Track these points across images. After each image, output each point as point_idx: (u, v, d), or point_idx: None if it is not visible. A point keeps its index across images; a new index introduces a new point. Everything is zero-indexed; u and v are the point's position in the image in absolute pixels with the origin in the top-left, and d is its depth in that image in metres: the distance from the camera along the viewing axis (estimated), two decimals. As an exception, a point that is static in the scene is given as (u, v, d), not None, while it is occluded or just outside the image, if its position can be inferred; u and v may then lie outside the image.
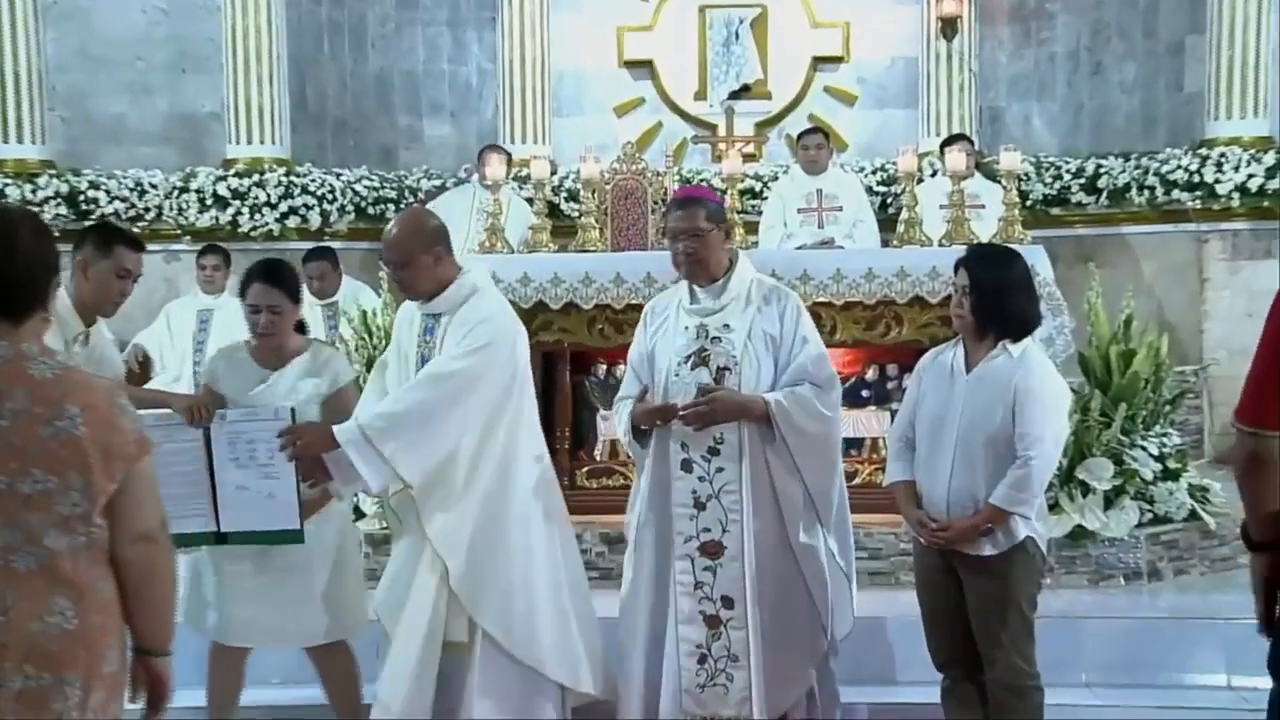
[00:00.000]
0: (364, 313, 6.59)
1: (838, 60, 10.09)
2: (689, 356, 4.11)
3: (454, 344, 3.93)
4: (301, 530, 3.93)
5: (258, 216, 8.98)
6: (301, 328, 4.34)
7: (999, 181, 6.95)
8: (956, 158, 6.56)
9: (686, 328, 4.15)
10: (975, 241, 6.16)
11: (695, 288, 4.19)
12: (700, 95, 10.00)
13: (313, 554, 4.14)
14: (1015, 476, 3.82)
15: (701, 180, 9.30)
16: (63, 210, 9.07)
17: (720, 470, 4.06)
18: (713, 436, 4.06)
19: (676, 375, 4.10)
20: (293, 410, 3.95)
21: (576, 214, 7.84)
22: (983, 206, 7.55)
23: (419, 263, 3.99)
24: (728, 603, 4.09)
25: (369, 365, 5.92)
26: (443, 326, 4.02)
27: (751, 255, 6.32)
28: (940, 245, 6.26)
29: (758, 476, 4.06)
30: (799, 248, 7.26)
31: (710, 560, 4.08)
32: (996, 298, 3.90)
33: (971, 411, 3.89)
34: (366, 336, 6.39)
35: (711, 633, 4.10)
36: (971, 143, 8.29)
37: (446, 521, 3.90)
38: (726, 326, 4.11)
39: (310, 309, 7.72)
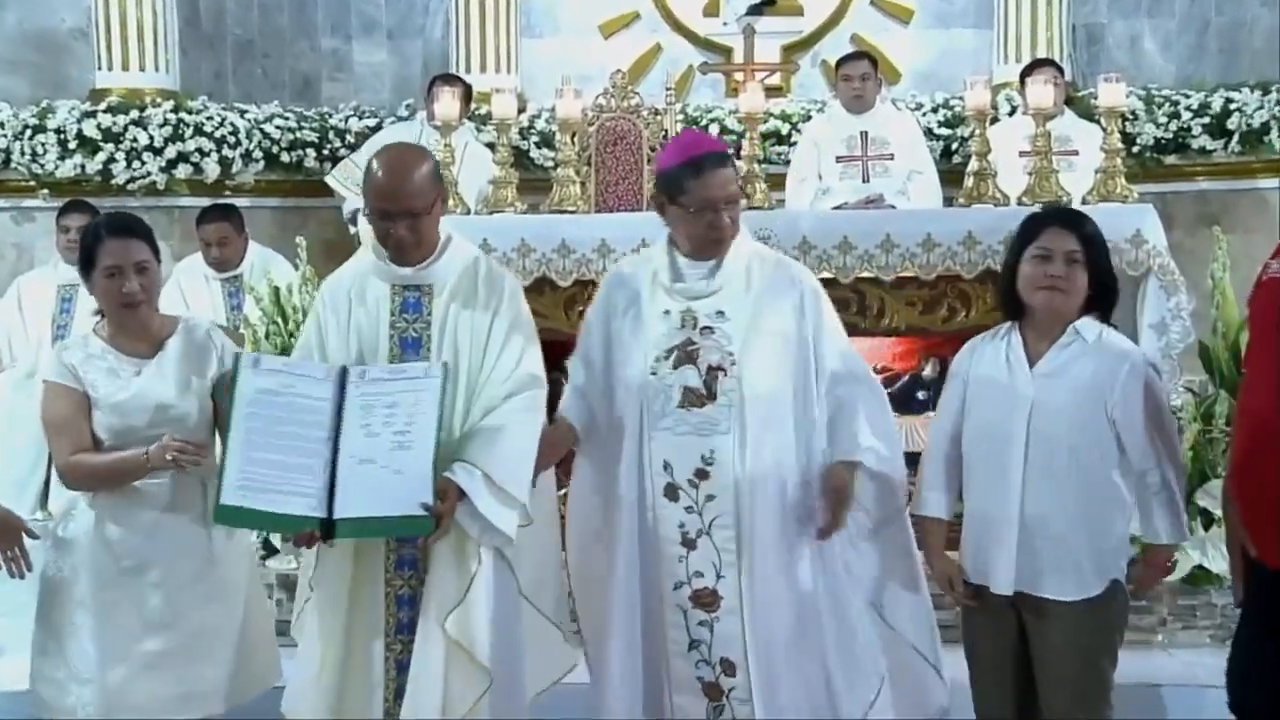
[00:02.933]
0: (275, 289, 6.62)
1: (889, -36, 10.15)
2: (671, 350, 4.14)
3: (505, 327, 4.08)
4: (432, 517, 3.87)
5: (136, 164, 8.98)
6: None
7: (1097, 121, 7.00)
8: (1042, 91, 6.60)
9: (667, 312, 4.17)
10: (1064, 199, 6.21)
11: (680, 260, 4.20)
12: (711, 10, 10.03)
13: (227, 598, 4.21)
14: (1166, 501, 3.91)
15: (713, 120, 9.34)
16: (-119, 157, 9.10)
17: (711, 498, 4.10)
18: (701, 455, 4.10)
19: (654, 374, 4.13)
20: (445, 365, 3.96)
21: (551, 164, 7.90)
22: (1075, 153, 7.59)
23: (435, 213, 4.10)
24: (728, 668, 4.12)
25: (282, 354, 5.95)
26: (442, 304, 4.08)
27: (777, 217, 6.45)
28: (1020, 204, 6.30)
29: (760, 504, 4.09)
30: (837, 207, 7.31)
31: (705, 613, 4.13)
32: (1109, 266, 4.01)
33: (1049, 418, 3.93)
34: (280, 320, 6.42)
35: (713, 705, 4.14)
36: (1061, 71, 8.31)
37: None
38: (720, 314, 4.14)
39: (207, 284, 7.81)
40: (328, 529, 3.88)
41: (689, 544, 4.12)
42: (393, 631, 4.10)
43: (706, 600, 4.11)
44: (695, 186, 4.09)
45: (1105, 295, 4.02)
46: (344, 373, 3.97)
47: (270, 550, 5.96)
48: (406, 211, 4.02)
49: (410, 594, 4.09)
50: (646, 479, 4.14)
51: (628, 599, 4.16)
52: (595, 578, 4.28)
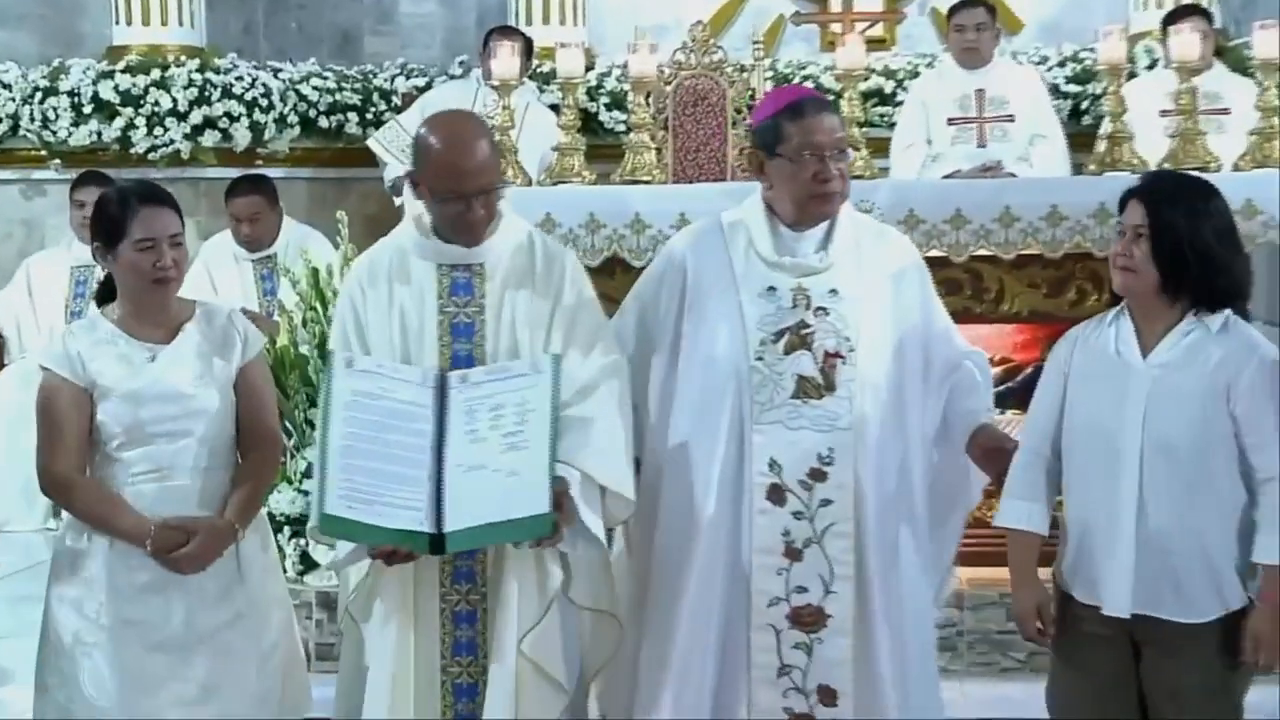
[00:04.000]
0: (314, 270, 6.64)
1: (1008, -102, 10.06)
2: (781, 333, 4.11)
3: (568, 312, 4.08)
4: (554, 515, 3.89)
5: (158, 131, 9.09)
6: None
7: (1251, 75, 6.91)
8: (1187, 41, 6.53)
9: (773, 289, 4.14)
10: (1212, 165, 6.13)
11: (784, 229, 4.17)
12: (805, -48, 10.01)
13: (255, 619, 4.23)
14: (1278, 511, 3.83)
15: (807, 78, 9.30)
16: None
17: (826, 503, 4.08)
18: (818, 453, 4.07)
19: (759, 359, 4.10)
20: (555, 358, 3.97)
21: (622, 128, 7.90)
22: (1226, 112, 7.52)
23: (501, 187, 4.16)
24: (827, 696, 4.10)
25: (322, 346, 5.98)
26: (496, 285, 4.09)
27: (880, 187, 6.40)
28: (1161, 170, 6.23)
29: (881, 510, 4.08)
30: (950, 176, 7.29)
31: (804, 633, 4.10)
32: (1189, 242, 3.87)
33: (1168, 413, 3.86)
34: (318, 306, 6.44)
35: None
36: (1210, 18, 8.23)
37: None
38: (834, 293, 4.12)
39: (236, 264, 7.86)
40: (436, 543, 3.92)
41: (793, 554, 4.08)
42: (449, 653, 4.12)
43: (809, 619, 4.08)
44: (796, 131, 4.06)
45: (1194, 278, 3.88)
46: (442, 377, 4.01)
47: (309, 565, 6.00)
48: (481, 190, 4.02)
49: (469, 610, 4.11)
50: (745, 479, 4.10)
51: (694, 625, 4.12)
52: (647, 601, 4.26)
